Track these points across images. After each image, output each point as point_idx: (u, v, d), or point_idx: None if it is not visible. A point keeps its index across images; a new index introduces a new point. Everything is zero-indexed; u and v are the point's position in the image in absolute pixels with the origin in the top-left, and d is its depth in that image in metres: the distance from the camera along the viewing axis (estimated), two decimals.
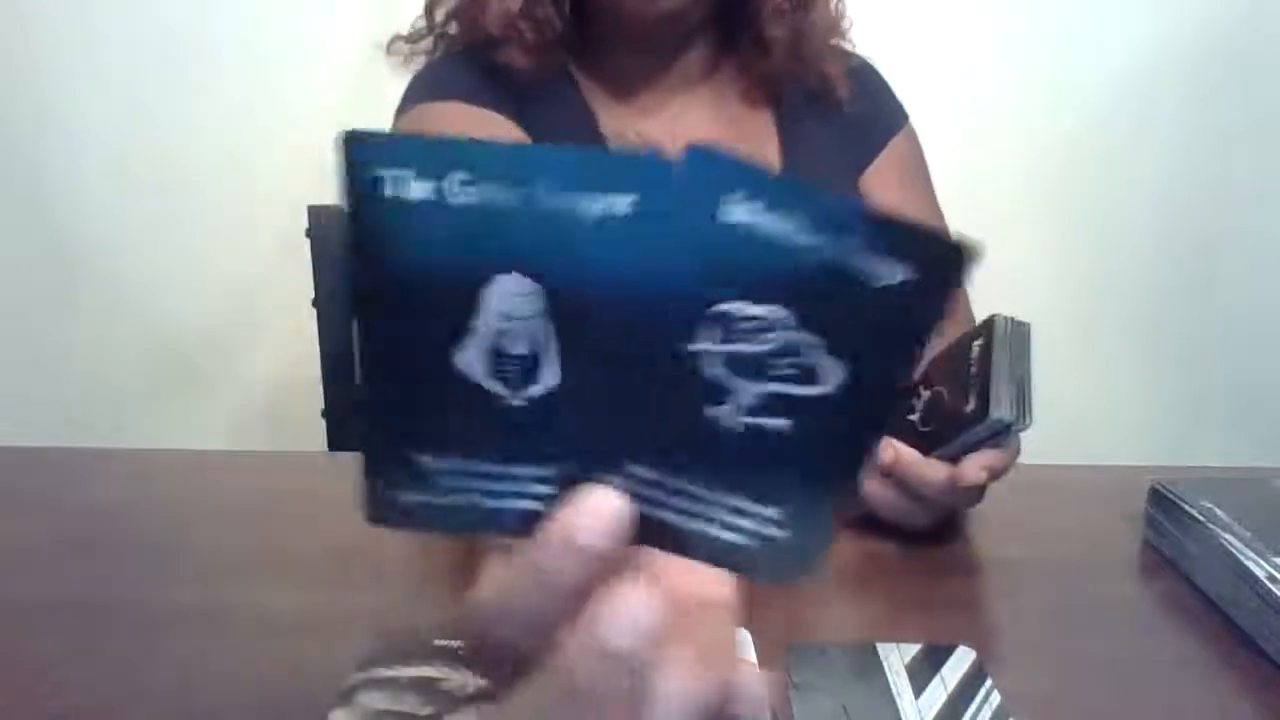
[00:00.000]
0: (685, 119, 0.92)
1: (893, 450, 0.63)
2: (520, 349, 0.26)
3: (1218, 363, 1.51)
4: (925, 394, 0.67)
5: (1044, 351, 1.53)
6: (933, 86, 1.35)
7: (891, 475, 0.63)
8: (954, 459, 0.63)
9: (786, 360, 0.26)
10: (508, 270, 0.25)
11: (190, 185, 1.41)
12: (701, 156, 0.24)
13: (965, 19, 1.39)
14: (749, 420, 0.26)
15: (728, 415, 0.26)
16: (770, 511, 0.27)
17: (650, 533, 0.27)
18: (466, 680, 0.49)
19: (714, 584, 0.31)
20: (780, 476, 0.27)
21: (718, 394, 0.26)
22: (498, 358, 0.26)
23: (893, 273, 0.24)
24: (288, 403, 1.44)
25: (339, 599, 0.59)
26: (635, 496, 0.27)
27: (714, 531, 0.27)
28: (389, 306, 0.26)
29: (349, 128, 0.24)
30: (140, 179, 1.42)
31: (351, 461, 0.28)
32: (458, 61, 0.92)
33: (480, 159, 0.24)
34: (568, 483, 0.27)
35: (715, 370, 0.26)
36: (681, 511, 0.27)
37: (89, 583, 0.61)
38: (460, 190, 0.24)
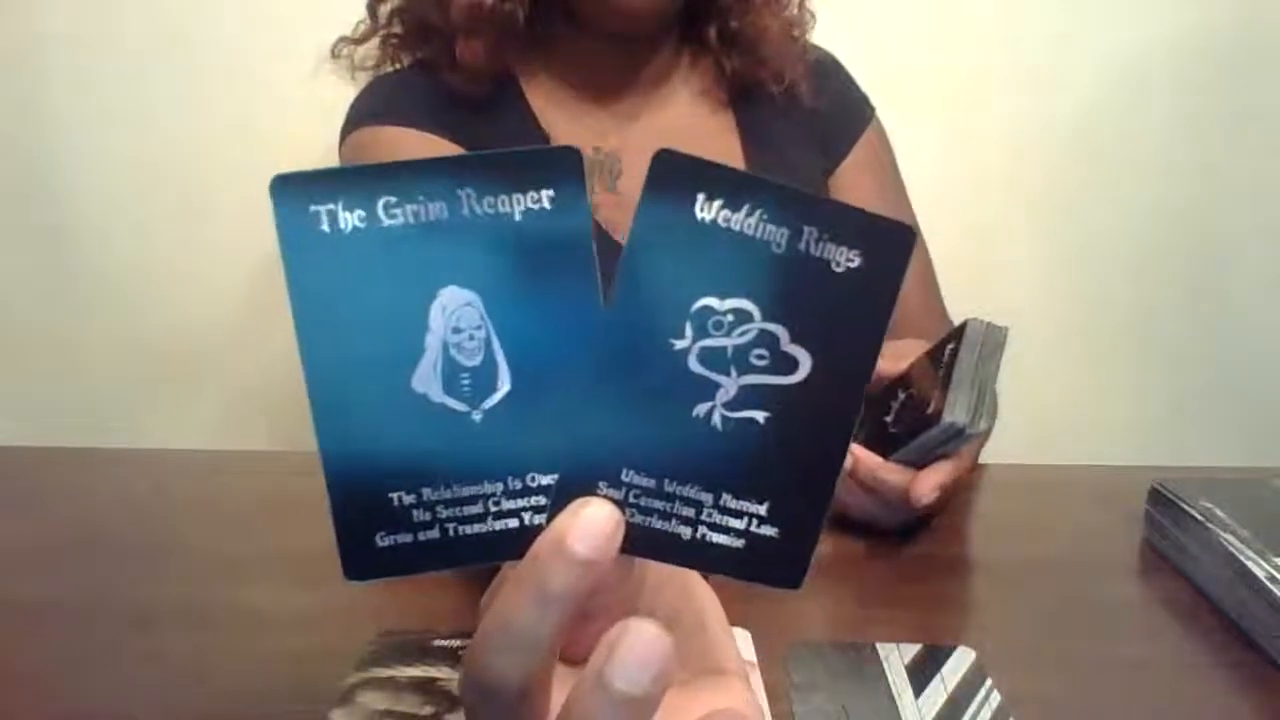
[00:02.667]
0: (642, 123, 0.90)
1: (851, 455, 0.63)
2: (473, 360, 0.27)
3: (1217, 362, 1.51)
4: (901, 396, 0.67)
5: (1042, 352, 1.54)
6: (921, 84, 1.35)
7: (854, 479, 0.64)
8: (912, 462, 0.63)
9: (759, 352, 0.27)
10: (448, 284, 0.26)
11: (190, 184, 1.41)
12: (668, 160, 0.25)
13: (954, 16, 1.39)
14: (731, 414, 0.27)
15: (713, 411, 0.27)
16: (758, 508, 0.27)
17: (643, 542, 0.27)
18: None
19: (727, 656, 0.31)
20: (763, 470, 0.27)
21: (703, 391, 0.27)
22: (452, 373, 0.27)
23: (846, 258, 0.26)
24: (288, 402, 1.43)
25: (339, 599, 0.59)
26: (629, 505, 0.27)
27: (705, 535, 0.27)
28: (340, 343, 0.26)
29: (280, 173, 0.25)
30: (140, 178, 1.42)
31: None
32: (400, 81, 0.91)
33: (404, 180, 0.26)
34: (561, 495, 0.26)
35: (699, 367, 0.27)
36: (673, 517, 0.27)
37: (89, 583, 0.61)
38: (390, 213, 0.26)
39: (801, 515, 0.27)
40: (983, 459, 0.77)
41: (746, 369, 0.27)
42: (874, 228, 0.26)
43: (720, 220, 0.26)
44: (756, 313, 0.26)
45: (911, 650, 0.53)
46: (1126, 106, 1.43)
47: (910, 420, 0.64)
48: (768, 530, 0.27)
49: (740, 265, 0.26)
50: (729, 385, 0.27)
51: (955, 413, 0.61)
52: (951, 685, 0.50)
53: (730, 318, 0.26)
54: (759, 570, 0.28)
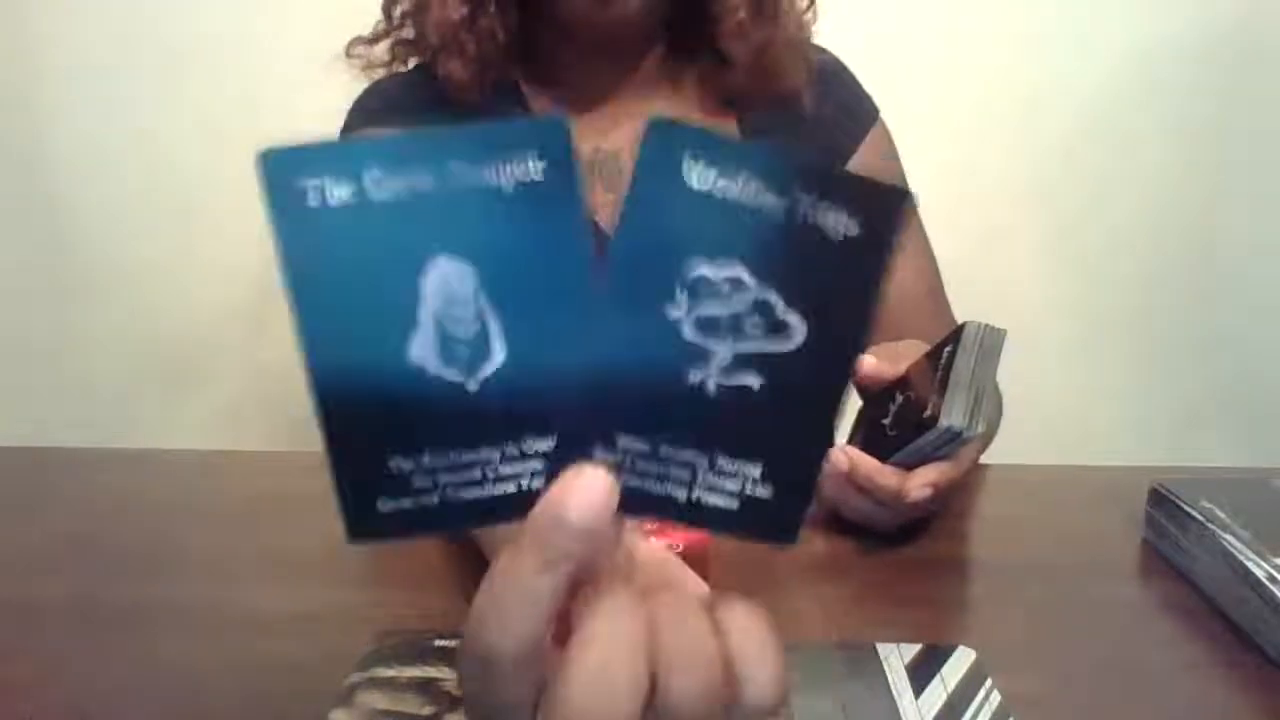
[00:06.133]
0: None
1: (847, 457, 0.64)
2: (467, 331, 0.26)
3: (1217, 362, 1.51)
4: (899, 399, 0.67)
5: (1043, 352, 1.53)
6: (926, 86, 1.35)
7: (851, 481, 0.64)
8: (909, 465, 0.63)
9: (754, 319, 0.27)
10: (439, 254, 0.26)
11: (189, 184, 1.41)
12: (662, 126, 0.25)
13: (959, 17, 1.39)
14: (725, 381, 0.27)
15: (707, 377, 0.27)
16: (752, 470, 0.28)
17: (639, 504, 0.28)
18: None
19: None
20: (757, 433, 0.27)
21: (697, 358, 0.27)
22: (447, 343, 0.27)
23: (843, 225, 0.26)
24: (288, 402, 1.43)
25: (338, 599, 0.59)
26: (624, 469, 0.27)
27: (701, 497, 0.28)
28: (335, 316, 0.26)
29: (268, 146, 0.25)
30: (139, 178, 1.42)
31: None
32: (402, 82, 0.91)
33: (392, 152, 0.25)
34: (558, 460, 0.27)
35: (693, 334, 0.27)
36: (668, 479, 0.28)
37: (89, 583, 0.61)
38: (379, 186, 0.25)
39: (795, 476, 0.28)
40: (984, 459, 0.77)
41: (741, 336, 0.27)
42: (869, 192, 0.26)
43: (715, 188, 0.25)
44: (751, 280, 0.26)
45: (911, 650, 0.53)
46: (1133, 109, 1.43)
47: (907, 423, 0.64)
48: (762, 491, 0.28)
49: (735, 233, 0.26)
50: (723, 352, 0.27)
51: (952, 416, 0.61)
52: (951, 685, 0.50)
53: (725, 286, 0.26)
54: (754, 529, 0.28)
